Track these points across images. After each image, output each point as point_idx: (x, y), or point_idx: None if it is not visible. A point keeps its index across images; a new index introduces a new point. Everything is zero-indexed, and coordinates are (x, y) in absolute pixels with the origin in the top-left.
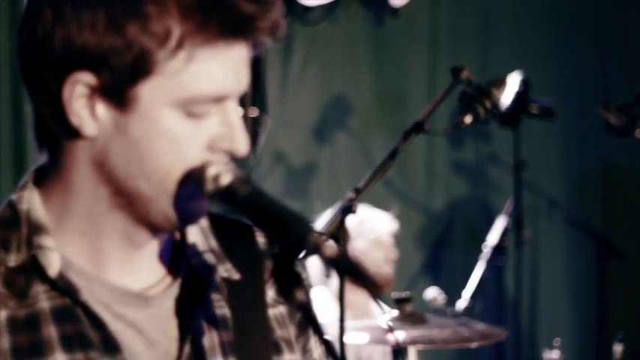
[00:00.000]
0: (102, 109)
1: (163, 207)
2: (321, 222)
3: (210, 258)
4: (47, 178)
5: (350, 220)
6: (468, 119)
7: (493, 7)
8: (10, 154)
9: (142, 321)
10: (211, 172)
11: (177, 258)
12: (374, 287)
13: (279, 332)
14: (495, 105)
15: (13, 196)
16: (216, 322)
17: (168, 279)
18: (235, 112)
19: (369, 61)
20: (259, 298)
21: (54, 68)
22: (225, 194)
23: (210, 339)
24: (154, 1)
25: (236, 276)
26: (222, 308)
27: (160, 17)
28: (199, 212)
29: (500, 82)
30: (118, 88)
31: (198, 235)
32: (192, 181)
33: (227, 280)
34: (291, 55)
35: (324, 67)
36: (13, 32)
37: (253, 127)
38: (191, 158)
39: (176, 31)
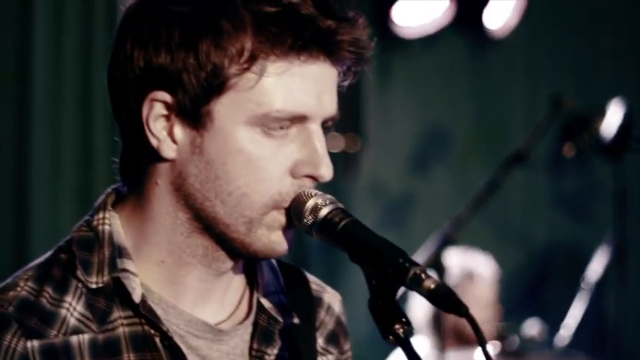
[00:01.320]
0: (179, 129)
1: (241, 235)
2: (419, 254)
3: (283, 299)
4: (125, 204)
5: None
6: (569, 151)
7: (593, 34)
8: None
9: (213, 356)
10: (310, 203)
11: (250, 295)
12: (474, 323)
13: None
14: (597, 137)
15: (89, 217)
16: None
17: (239, 315)
18: (319, 135)
19: (468, 91)
20: (312, 345)
21: (134, 89)
22: (323, 226)
23: None
24: (229, 16)
25: (296, 320)
26: (282, 350)
27: (233, 31)
28: (281, 246)
29: (601, 112)
30: (193, 107)
31: (269, 273)
32: (290, 212)
33: (288, 325)
34: (390, 86)
35: (422, 97)
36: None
37: (353, 159)
38: (270, 182)
39: (248, 45)
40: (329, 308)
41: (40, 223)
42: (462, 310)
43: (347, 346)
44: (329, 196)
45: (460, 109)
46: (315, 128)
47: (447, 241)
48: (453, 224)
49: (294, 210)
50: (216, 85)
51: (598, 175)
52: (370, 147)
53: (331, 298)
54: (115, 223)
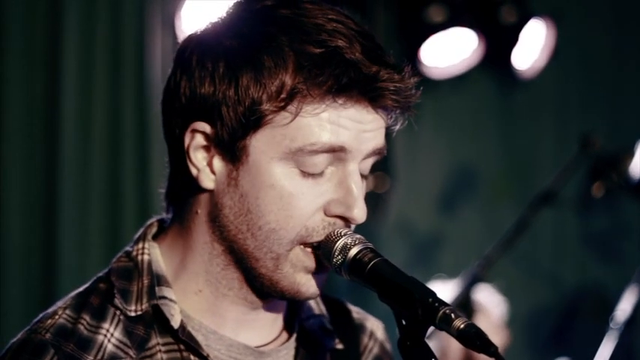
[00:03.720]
0: (217, 161)
1: (269, 271)
2: (448, 293)
3: (325, 322)
4: (167, 234)
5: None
6: (598, 191)
7: (621, 74)
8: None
9: None
10: (340, 243)
11: (291, 317)
12: None
13: None
14: (625, 177)
15: (129, 248)
16: None
17: (282, 338)
18: (356, 176)
19: (496, 130)
20: None
21: (179, 117)
22: (353, 266)
23: None
24: (273, 53)
25: (340, 346)
26: None
27: (274, 68)
28: (307, 288)
29: (630, 152)
30: (230, 139)
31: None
32: (319, 253)
33: (331, 349)
34: (418, 126)
35: (451, 137)
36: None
37: (382, 198)
38: (300, 219)
39: (288, 84)
40: (372, 334)
41: (68, 264)
42: (491, 349)
43: None
44: (359, 235)
45: (489, 149)
46: (352, 168)
47: (476, 281)
48: (482, 264)
49: (324, 250)
50: (253, 120)
51: (627, 214)
52: (399, 186)
53: (373, 325)
54: (154, 253)
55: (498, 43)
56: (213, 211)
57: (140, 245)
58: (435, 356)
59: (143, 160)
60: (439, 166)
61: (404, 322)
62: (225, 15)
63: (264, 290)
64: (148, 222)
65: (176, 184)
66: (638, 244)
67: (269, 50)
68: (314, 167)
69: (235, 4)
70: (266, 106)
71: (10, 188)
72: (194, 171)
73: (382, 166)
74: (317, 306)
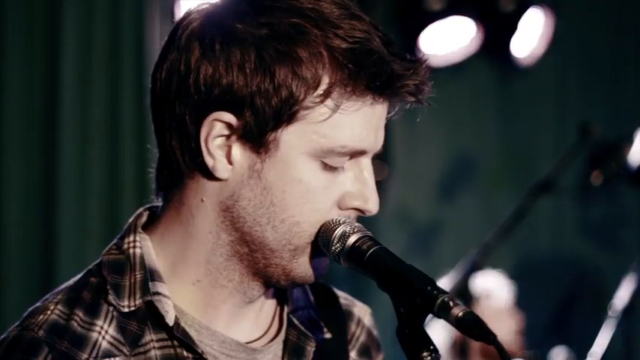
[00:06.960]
0: (238, 152)
1: (284, 261)
2: (447, 281)
3: (313, 314)
4: (160, 223)
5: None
6: (597, 179)
7: (621, 62)
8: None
9: None
10: (338, 231)
11: (281, 311)
12: (502, 350)
13: None
14: (624, 165)
15: (119, 240)
16: None
17: (272, 332)
18: (371, 170)
19: (495, 118)
20: (344, 359)
21: (194, 105)
22: (351, 254)
23: None
24: (306, 45)
25: (327, 335)
26: None
27: (311, 63)
28: (318, 272)
29: (629, 140)
30: (259, 131)
31: (298, 289)
32: (318, 239)
33: (320, 339)
34: (417, 114)
35: (449, 125)
36: (142, 69)
37: (380, 186)
38: (322, 212)
39: (325, 79)
40: (359, 321)
41: (67, 254)
42: (489, 337)
43: (379, 359)
44: (357, 223)
45: (487, 137)
46: (367, 162)
47: (475, 269)
48: (480, 251)
49: (322, 238)
50: (288, 113)
51: (625, 202)
52: (397, 174)
53: (361, 311)
54: (146, 246)
55: (497, 31)
56: (225, 201)
57: (131, 238)
58: (433, 344)
59: (142, 155)
60: (438, 154)
61: (402, 310)
62: None
63: (273, 279)
64: (137, 212)
65: (173, 171)
66: (637, 232)
67: (302, 42)
68: (338, 164)
69: None
70: (304, 100)
71: (10, 187)
72: (209, 161)
73: (381, 154)
74: (304, 297)
